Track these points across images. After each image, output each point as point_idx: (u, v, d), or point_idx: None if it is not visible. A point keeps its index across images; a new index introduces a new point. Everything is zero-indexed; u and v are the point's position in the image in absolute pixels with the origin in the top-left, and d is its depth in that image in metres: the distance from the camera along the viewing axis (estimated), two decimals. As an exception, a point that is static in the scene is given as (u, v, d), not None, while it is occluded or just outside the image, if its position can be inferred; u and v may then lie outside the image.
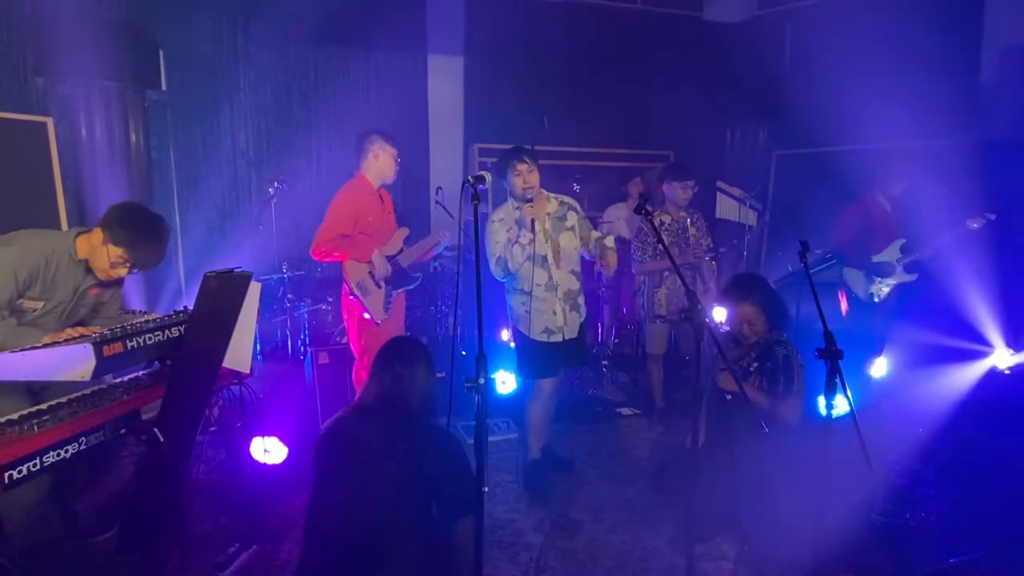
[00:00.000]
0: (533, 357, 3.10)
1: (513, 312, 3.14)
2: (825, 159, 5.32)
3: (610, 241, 3.03)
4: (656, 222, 3.75)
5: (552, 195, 3.10)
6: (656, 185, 4.15)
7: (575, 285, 3.09)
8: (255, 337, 2.59)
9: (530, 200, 2.90)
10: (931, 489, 2.91)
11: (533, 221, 2.90)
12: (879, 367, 3.90)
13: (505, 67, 5.65)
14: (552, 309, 3.03)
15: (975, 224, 3.64)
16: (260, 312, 2.56)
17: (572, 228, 3.06)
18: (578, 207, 3.14)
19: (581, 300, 3.14)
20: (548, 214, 3.01)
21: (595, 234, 3.11)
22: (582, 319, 3.16)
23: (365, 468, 1.84)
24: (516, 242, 2.93)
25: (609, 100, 5.99)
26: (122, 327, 1.96)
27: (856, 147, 4.88)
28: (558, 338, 3.06)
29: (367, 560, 1.77)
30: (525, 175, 2.91)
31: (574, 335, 3.11)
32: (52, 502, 2.26)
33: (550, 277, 3.02)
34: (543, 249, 2.99)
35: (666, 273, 3.82)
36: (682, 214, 3.90)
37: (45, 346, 1.86)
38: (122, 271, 2.28)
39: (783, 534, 2.28)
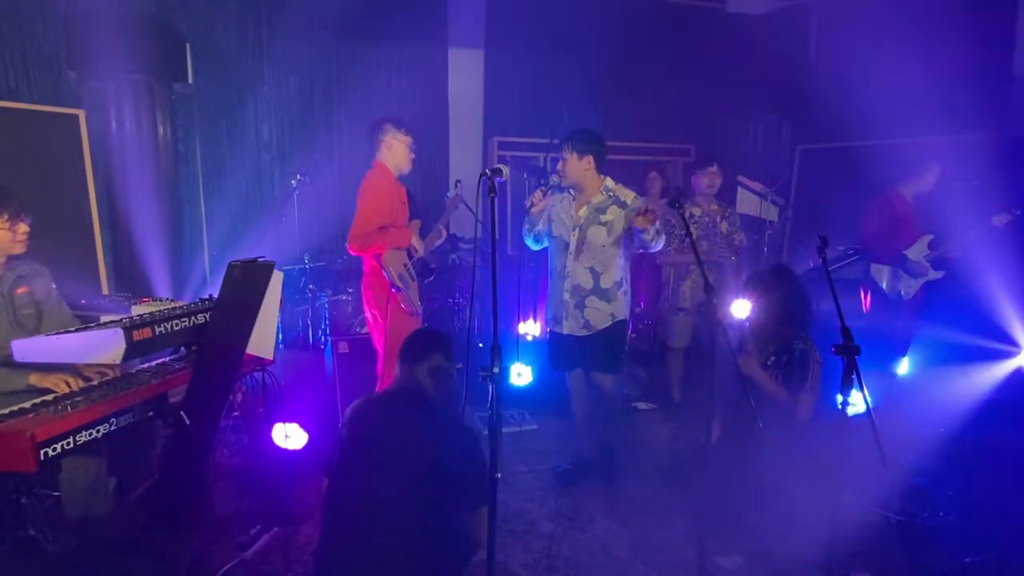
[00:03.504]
0: (547, 344, 3.19)
1: None
2: (850, 154, 5.23)
3: (653, 223, 2.74)
4: (686, 214, 3.75)
5: (610, 188, 2.96)
6: (686, 179, 4.14)
7: (588, 283, 2.94)
8: (277, 325, 2.64)
9: (564, 189, 3.00)
10: (950, 489, 2.87)
11: (531, 204, 2.98)
12: (903, 365, 3.84)
13: (525, 60, 5.64)
14: (560, 298, 3.04)
15: (1001, 221, 3.54)
16: (282, 301, 2.62)
17: (607, 223, 2.90)
18: (630, 199, 2.91)
19: (595, 302, 2.94)
20: (588, 202, 2.96)
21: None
22: (596, 322, 2.96)
23: (381, 455, 1.89)
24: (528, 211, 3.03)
25: (630, 93, 5.93)
26: (151, 314, 2.03)
27: (882, 142, 4.79)
28: (561, 329, 3.05)
29: (377, 546, 1.81)
30: (560, 165, 2.97)
31: (580, 333, 2.98)
32: (104, 481, 2.33)
33: (564, 266, 3.01)
34: (568, 237, 2.99)
35: (692, 266, 3.80)
36: (714, 207, 3.87)
37: (78, 330, 1.93)
38: (22, 229, 2.25)
39: (796, 530, 2.28)
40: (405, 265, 3.19)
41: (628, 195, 2.96)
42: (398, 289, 3.08)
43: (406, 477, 1.86)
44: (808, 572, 2.26)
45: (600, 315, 2.97)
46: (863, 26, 4.75)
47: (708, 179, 3.79)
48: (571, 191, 3.02)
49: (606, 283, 2.95)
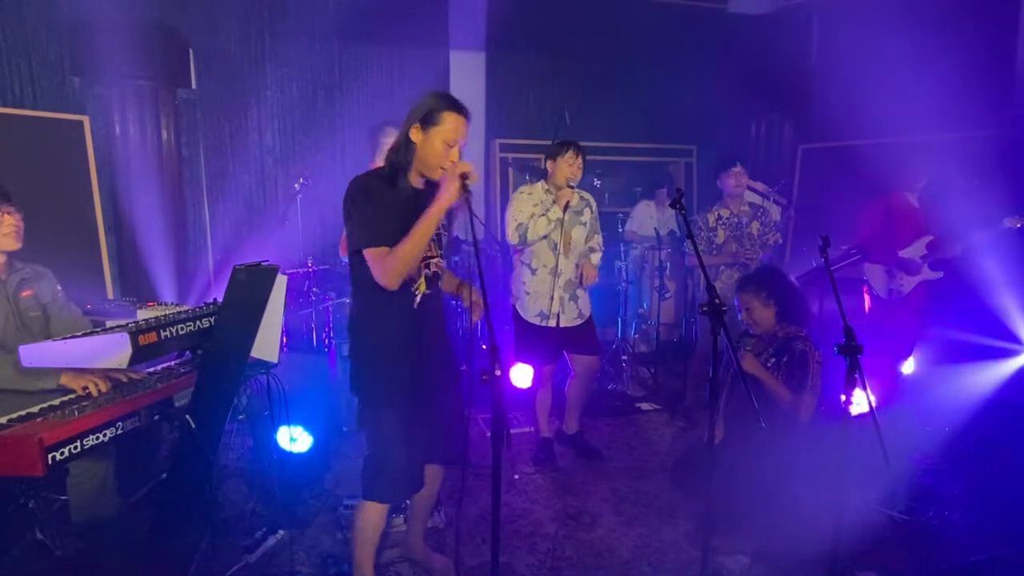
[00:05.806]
0: (527, 340, 3.30)
1: (516, 289, 3.32)
2: (852, 153, 5.21)
3: (596, 259, 3.29)
4: (713, 216, 3.81)
5: (576, 190, 3.24)
6: (687, 180, 4.12)
7: (576, 276, 3.25)
8: (282, 329, 2.66)
9: (571, 187, 3.14)
10: (955, 488, 2.86)
11: (567, 204, 3.10)
12: (907, 365, 3.83)
13: (527, 62, 5.65)
14: (549, 295, 3.21)
15: (1014, 223, 3.51)
16: (286, 305, 2.63)
17: (585, 223, 3.25)
18: (594, 205, 3.33)
19: (582, 292, 3.30)
20: (568, 205, 3.16)
21: (592, 243, 3.29)
22: (584, 311, 3.32)
23: None
24: (544, 215, 3.10)
25: (632, 94, 5.95)
26: (156, 318, 2.04)
27: (885, 141, 4.77)
28: (551, 323, 3.24)
29: None
30: (576, 166, 3.11)
31: (572, 323, 3.27)
32: (110, 484, 2.35)
33: (556, 263, 3.19)
34: (556, 236, 3.16)
35: (722, 267, 3.79)
36: (744, 208, 3.86)
37: (85, 335, 1.95)
38: (7, 221, 2.21)
39: (801, 530, 2.28)
40: None
41: (589, 197, 3.33)
42: None
43: None
44: (813, 572, 2.27)
45: (586, 303, 3.35)
46: (865, 25, 4.74)
47: (734, 179, 3.77)
48: (551, 191, 3.19)
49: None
